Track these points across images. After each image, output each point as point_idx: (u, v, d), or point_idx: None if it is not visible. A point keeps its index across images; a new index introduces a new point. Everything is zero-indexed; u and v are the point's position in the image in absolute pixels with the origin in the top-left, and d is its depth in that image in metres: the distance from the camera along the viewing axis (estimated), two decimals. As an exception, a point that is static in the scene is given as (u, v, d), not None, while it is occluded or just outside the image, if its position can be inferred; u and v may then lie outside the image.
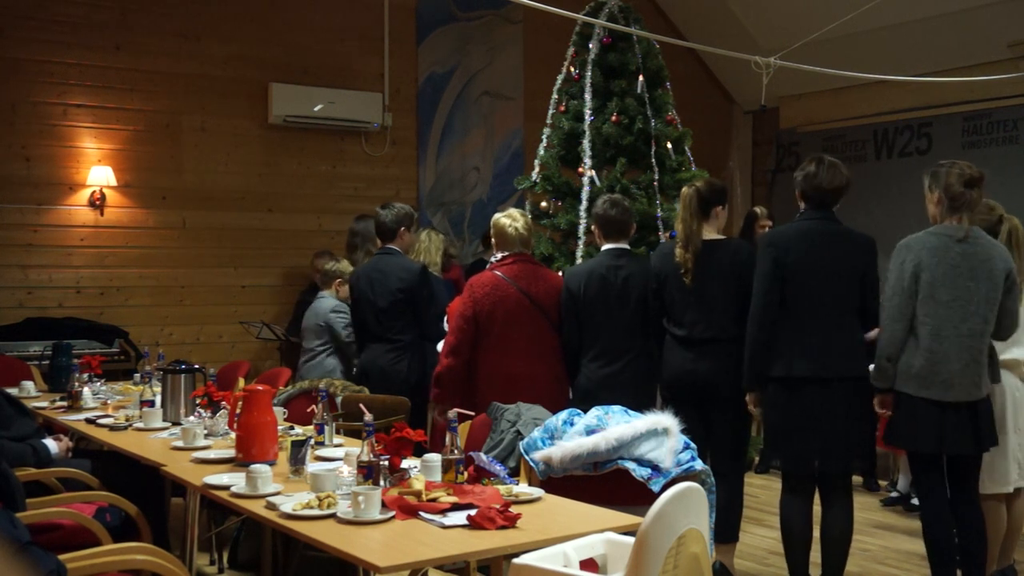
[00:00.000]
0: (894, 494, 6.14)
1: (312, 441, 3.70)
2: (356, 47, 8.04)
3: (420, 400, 5.01)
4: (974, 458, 3.96)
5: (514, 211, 4.85)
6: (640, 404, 4.35)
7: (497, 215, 4.81)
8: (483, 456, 3.30)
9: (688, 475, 3.41)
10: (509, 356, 4.56)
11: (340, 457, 3.50)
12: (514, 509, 2.84)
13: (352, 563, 2.67)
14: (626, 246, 4.65)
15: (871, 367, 4.17)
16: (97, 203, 7.01)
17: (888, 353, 3.92)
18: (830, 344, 4.01)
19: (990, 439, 3.94)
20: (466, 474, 3.14)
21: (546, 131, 6.30)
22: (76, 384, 4.86)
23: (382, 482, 3.04)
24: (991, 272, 3.85)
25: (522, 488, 3.18)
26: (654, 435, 3.49)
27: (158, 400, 4.45)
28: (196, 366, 4.54)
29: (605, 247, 4.66)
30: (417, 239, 5.94)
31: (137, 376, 5.46)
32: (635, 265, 4.59)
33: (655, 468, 3.43)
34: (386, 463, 3.09)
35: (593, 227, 4.80)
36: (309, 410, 4.00)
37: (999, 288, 3.86)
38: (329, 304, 5.78)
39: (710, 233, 4.44)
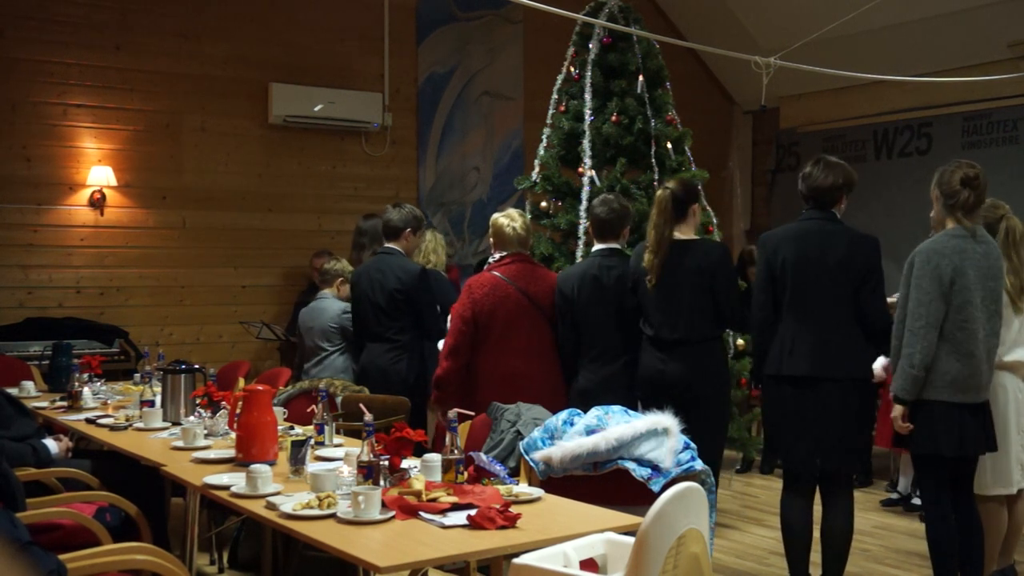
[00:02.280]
0: (894, 495, 6.14)
1: (312, 441, 3.70)
2: (356, 47, 8.04)
3: (419, 400, 5.01)
4: (974, 459, 3.96)
5: (512, 211, 4.85)
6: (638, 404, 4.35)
7: (495, 215, 4.81)
8: (483, 456, 3.30)
9: (688, 475, 3.41)
10: (509, 356, 4.56)
11: (340, 457, 3.50)
12: (514, 509, 2.85)
13: (352, 563, 2.67)
14: (617, 246, 4.64)
15: (876, 369, 4.16)
16: (97, 203, 7.01)
17: (925, 363, 3.77)
18: (824, 343, 3.99)
19: (995, 440, 3.95)
20: (466, 474, 3.14)
21: (546, 131, 6.30)
22: (76, 384, 4.86)
23: (382, 482, 3.04)
24: (1001, 270, 3.89)
25: (522, 488, 3.18)
26: (654, 435, 3.49)
27: (158, 400, 4.45)
28: (196, 366, 4.54)
29: (596, 247, 4.66)
30: (423, 240, 5.96)
31: (137, 376, 5.46)
32: (627, 265, 4.58)
33: (655, 468, 3.43)
34: (386, 463, 3.09)
35: (587, 226, 4.80)
36: (309, 410, 4.00)
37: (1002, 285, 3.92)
38: (338, 306, 5.72)
39: (686, 233, 4.42)
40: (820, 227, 4.08)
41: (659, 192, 4.44)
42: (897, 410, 3.86)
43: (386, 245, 5.28)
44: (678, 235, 4.38)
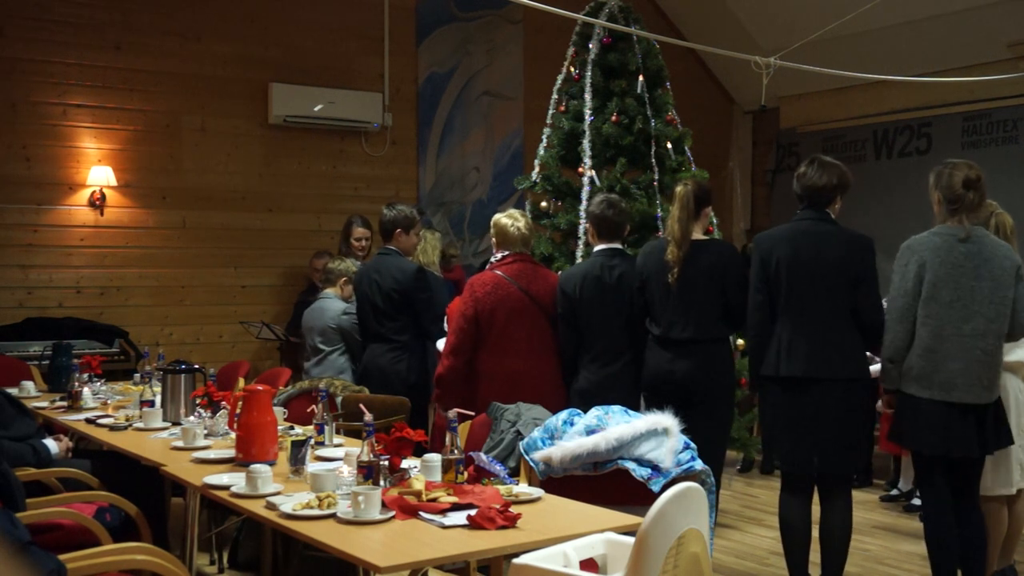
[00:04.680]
0: (894, 492, 6.16)
1: (312, 441, 3.70)
2: (356, 47, 8.04)
3: (420, 400, 5.01)
4: (978, 460, 3.95)
5: (515, 211, 4.87)
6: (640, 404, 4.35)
7: (498, 215, 4.82)
8: (483, 456, 3.30)
9: (688, 475, 3.41)
10: (510, 355, 4.56)
11: (340, 457, 3.51)
12: (514, 509, 2.85)
13: (352, 563, 2.67)
14: (619, 246, 4.65)
15: (874, 367, 4.16)
16: (97, 203, 7.01)
17: (891, 354, 3.91)
18: (820, 344, 3.99)
19: (996, 442, 3.92)
20: (466, 474, 3.15)
21: (546, 131, 6.30)
22: (76, 384, 4.86)
23: (382, 482, 3.04)
24: (995, 271, 3.81)
25: (522, 488, 3.18)
26: (654, 435, 3.50)
27: (158, 400, 4.45)
28: (196, 366, 4.54)
29: (598, 247, 4.66)
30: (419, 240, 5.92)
31: (137, 376, 5.46)
32: (628, 264, 4.58)
33: (655, 468, 3.43)
34: (386, 463, 3.09)
35: (587, 225, 4.79)
36: (309, 410, 4.00)
37: (1007, 287, 3.81)
38: (339, 306, 5.70)
39: (696, 233, 4.44)
40: (815, 227, 4.08)
41: (680, 188, 4.45)
42: (885, 397, 4.07)
43: (384, 246, 5.31)
44: (692, 235, 4.40)
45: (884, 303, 4.07)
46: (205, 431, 3.96)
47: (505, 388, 4.35)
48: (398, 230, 5.26)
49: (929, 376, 3.81)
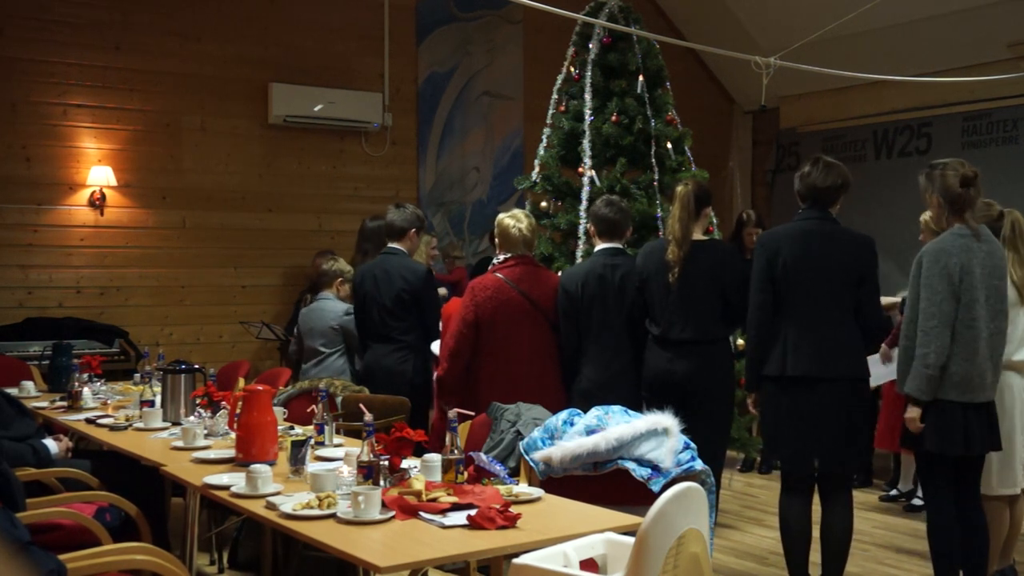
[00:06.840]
0: (894, 492, 6.16)
1: (312, 441, 3.70)
2: (356, 47, 8.04)
3: (425, 400, 5.01)
4: (980, 458, 3.96)
5: (519, 212, 4.85)
6: (642, 404, 4.35)
7: (501, 215, 4.80)
8: (483, 456, 3.30)
9: (688, 475, 3.41)
10: (511, 358, 4.56)
11: (340, 457, 3.51)
12: (514, 509, 2.84)
13: (352, 563, 2.67)
14: (620, 246, 4.66)
15: (869, 370, 4.14)
16: (97, 203, 7.01)
17: (940, 362, 3.73)
18: (824, 344, 3.99)
19: (999, 439, 3.94)
20: (466, 474, 3.15)
21: (546, 131, 6.29)
22: (76, 384, 4.86)
23: (382, 482, 3.04)
24: (1003, 268, 3.89)
25: (522, 488, 3.18)
26: (654, 435, 3.50)
27: (158, 400, 4.45)
28: (196, 366, 4.54)
29: (599, 247, 4.67)
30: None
31: (137, 376, 5.46)
32: (630, 264, 4.59)
33: (655, 468, 3.43)
34: (386, 463, 3.09)
35: (588, 226, 4.80)
36: (309, 410, 4.00)
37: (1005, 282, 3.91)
38: (340, 307, 5.69)
39: (697, 233, 4.45)
40: (820, 227, 4.08)
41: (680, 188, 4.46)
42: (914, 411, 3.80)
43: (389, 245, 5.28)
44: (692, 235, 4.40)
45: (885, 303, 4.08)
46: (205, 431, 3.96)
47: (506, 391, 4.34)
48: (412, 230, 5.26)
49: (972, 380, 3.77)
